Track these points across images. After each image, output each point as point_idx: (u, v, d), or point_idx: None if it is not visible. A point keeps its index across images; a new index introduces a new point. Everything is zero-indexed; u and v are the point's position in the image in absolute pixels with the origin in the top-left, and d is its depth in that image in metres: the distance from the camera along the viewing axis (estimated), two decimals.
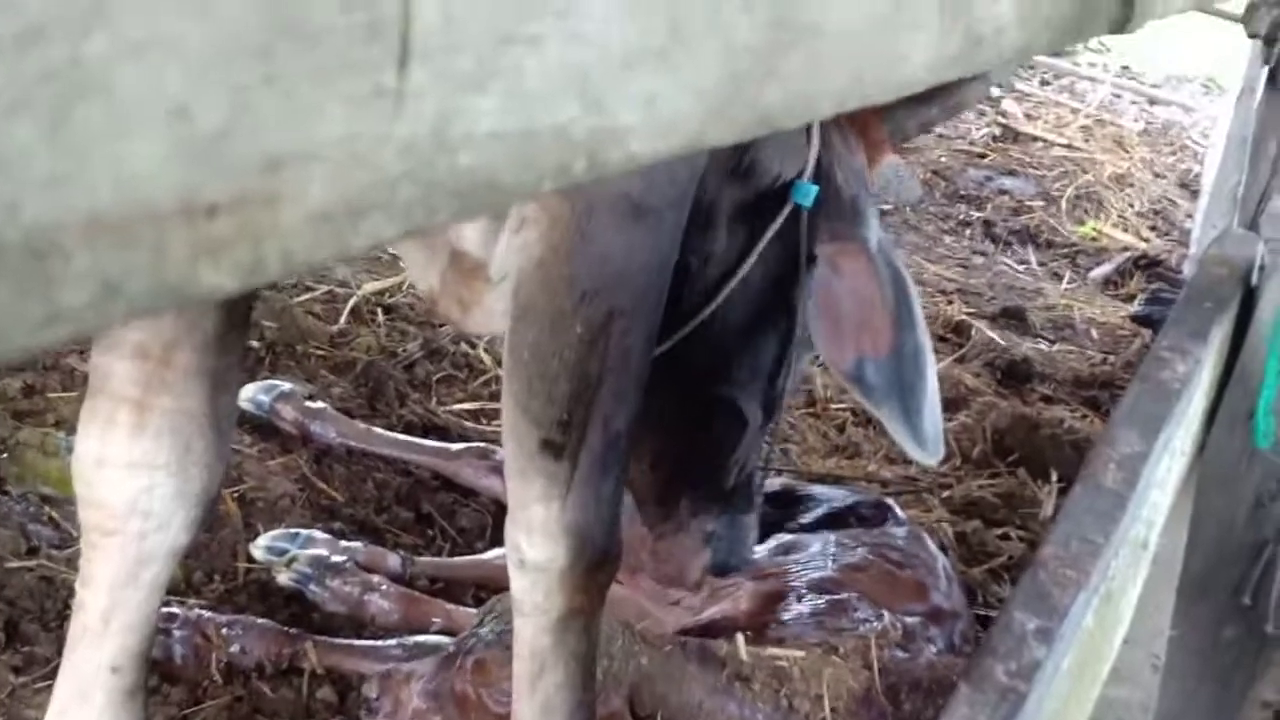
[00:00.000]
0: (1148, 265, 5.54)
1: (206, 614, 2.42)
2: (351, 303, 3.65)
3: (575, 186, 1.62)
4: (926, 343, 2.26)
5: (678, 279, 2.08)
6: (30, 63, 0.32)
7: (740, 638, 2.34)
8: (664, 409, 2.35)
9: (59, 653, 1.81)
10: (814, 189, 2.20)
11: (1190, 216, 6.12)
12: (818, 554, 2.60)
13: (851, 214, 2.27)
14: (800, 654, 2.34)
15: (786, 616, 2.47)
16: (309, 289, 3.70)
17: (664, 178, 1.77)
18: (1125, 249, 5.78)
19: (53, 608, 2.39)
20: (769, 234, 2.20)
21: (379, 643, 2.46)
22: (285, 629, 2.44)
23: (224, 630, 2.39)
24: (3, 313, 0.31)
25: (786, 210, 2.20)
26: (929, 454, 2.21)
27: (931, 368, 2.26)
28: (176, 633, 2.36)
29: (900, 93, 0.73)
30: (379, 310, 3.68)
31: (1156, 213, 6.37)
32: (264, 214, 0.37)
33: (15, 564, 2.47)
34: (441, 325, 3.57)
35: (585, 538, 1.83)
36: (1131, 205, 6.34)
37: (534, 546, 1.84)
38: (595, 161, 0.50)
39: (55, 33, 0.32)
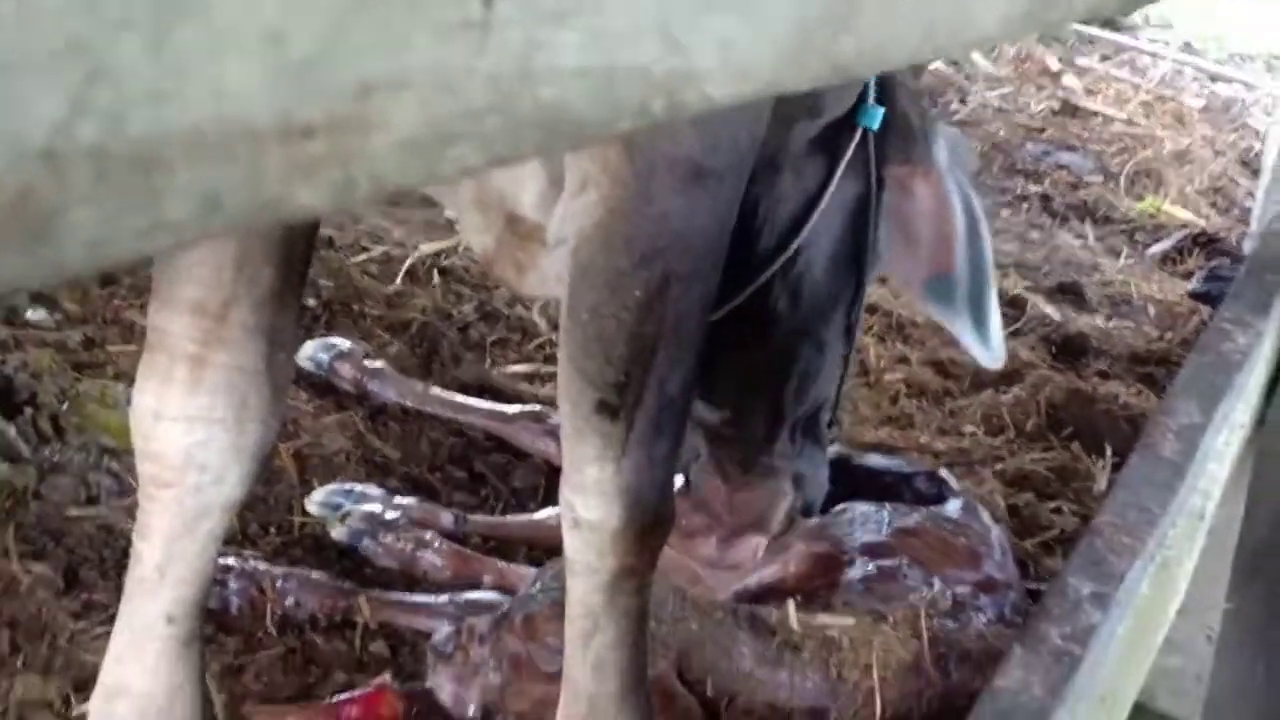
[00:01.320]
0: (1207, 242, 5.48)
1: (262, 566, 2.45)
2: (408, 263, 3.67)
3: (641, 140, 1.62)
4: (990, 253, 2.38)
5: (750, 226, 2.09)
6: None
7: (791, 605, 2.34)
8: (749, 356, 2.37)
9: (118, 600, 1.83)
10: (880, 111, 2.24)
11: (1251, 194, 6.03)
12: (872, 518, 2.60)
13: (918, 135, 2.31)
14: (850, 622, 2.34)
15: (837, 581, 2.47)
16: (365, 249, 3.72)
17: (726, 141, 1.76)
18: (1184, 226, 5.72)
19: (111, 556, 2.42)
20: (844, 161, 2.23)
21: (431, 598, 2.48)
22: (338, 583, 2.47)
23: (279, 583, 2.42)
24: (110, 222, 0.32)
25: (856, 136, 2.23)
26: (996, 358, 2.36)
27: (993, 276, 2.40)
28: (232, 584, 2.39)
29: (972, 47, 0.73)
30: (435, 271, 3.69)
31: (1216, 190, 6.29)
32: (356, 137, 0.38)
33: (75, 512, 2.51)
34: (496, 288, 3.58)
35: (639, 499, 1.84)
36: (1191, 182, 6.27)
37: (588, 507, 1.85)
38: (673, 102, 0.51)
39: None
